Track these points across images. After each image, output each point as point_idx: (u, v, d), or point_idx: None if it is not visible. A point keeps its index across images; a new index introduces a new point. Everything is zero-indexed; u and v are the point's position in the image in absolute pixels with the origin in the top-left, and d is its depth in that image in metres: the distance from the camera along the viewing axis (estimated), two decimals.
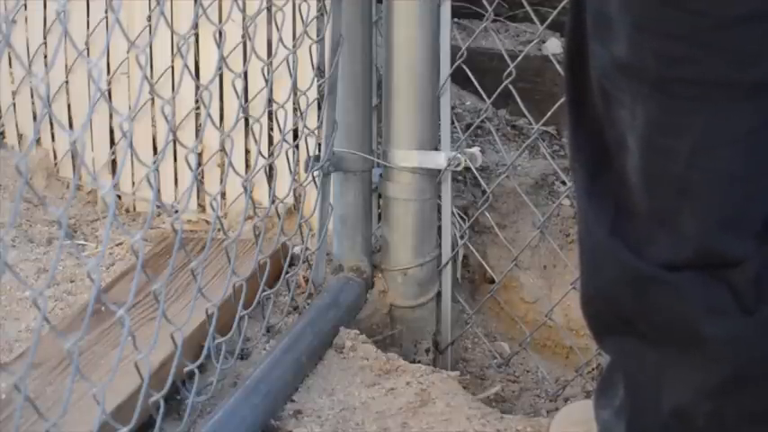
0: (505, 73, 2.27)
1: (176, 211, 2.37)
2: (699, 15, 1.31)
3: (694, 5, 1.31)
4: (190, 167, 2.34)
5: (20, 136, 2.63)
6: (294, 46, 2.18)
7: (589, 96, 1.47)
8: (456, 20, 2.76)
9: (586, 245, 1.54)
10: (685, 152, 1.37)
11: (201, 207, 2.50)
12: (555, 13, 2.26)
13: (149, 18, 2.43)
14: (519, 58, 2.28)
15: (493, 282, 2.42)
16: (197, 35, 2.41)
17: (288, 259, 2.18)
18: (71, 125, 2.55)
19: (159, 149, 2.47)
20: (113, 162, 2.56)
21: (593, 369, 2.32)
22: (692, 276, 1.42)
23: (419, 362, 2.21)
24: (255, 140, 2.22)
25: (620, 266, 1.47)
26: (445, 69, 2.22)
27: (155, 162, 2.36)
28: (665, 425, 1.50)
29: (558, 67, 2.38)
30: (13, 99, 2.61)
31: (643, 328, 1.48)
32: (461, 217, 2.40)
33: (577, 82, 1.49)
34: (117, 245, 2.39)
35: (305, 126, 2.26)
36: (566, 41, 1.53)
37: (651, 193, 1.42)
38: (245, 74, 2.25)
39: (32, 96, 2.60)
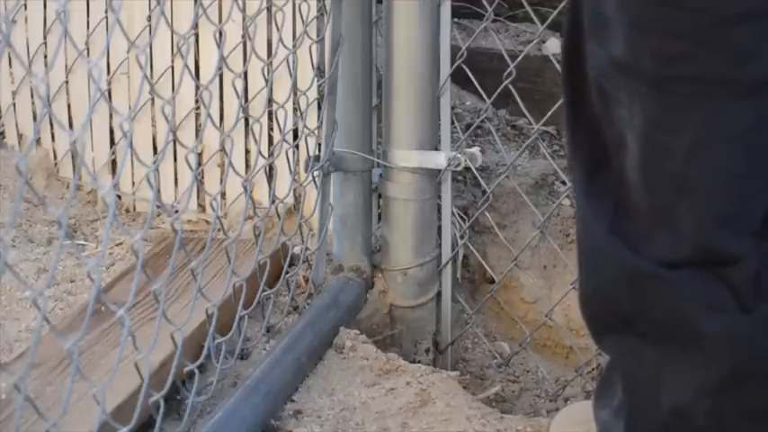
0: (505, 73, 2.27)
1: (176, 211, 2.37)
2: (698, 13, 1.31)
3: (693, 3, 1.31)
4: (190, 167, 2.34)
5: (20, 136, 2.63)
6: (294, 46, 2.18)
7: (587, 96, 1.47)
8: (456, 20, 2.75)
9: (585, 244, 1.54)
10: (683, 149, 1.37)
11: (201, 207, 2.50)
12: (555, 13, 2.26)
13: (149, 18, 2.43)
14: (519, 58, 2.28)
15: (493, 282, 2.42)
16: (197, 35, 2.41)
17: (288, 259, 2.18)
18: (71, 125, 2.55)
19: (159, 149, 2.47)
20: (113, 162, 2.56)
21: (593, 369, 2.32)
22: (691, 274, 1.42)
23: (419, 362, 2.21)
24: (255, 140, 2.22)
25: (620, 265, 1.47)
26: (445, 69, 2.22)
27: (155, 162, 2.36)
28: (665, 424, 1.50)
29: (557, 67, 2.38)
30: (13, 99, 2.61)
31: (642, 326, 1.48)
32: (461, 217, 2.39)
33: (575, 82, 1.49)
34: (117, 245, 2.39)
35: (305, 126, 2.26)
36: (563, 41, 1.53)
37: (650, 190, 1.42)
38: (245, 74, 2.25)
39: (32, 96, 2.60)
